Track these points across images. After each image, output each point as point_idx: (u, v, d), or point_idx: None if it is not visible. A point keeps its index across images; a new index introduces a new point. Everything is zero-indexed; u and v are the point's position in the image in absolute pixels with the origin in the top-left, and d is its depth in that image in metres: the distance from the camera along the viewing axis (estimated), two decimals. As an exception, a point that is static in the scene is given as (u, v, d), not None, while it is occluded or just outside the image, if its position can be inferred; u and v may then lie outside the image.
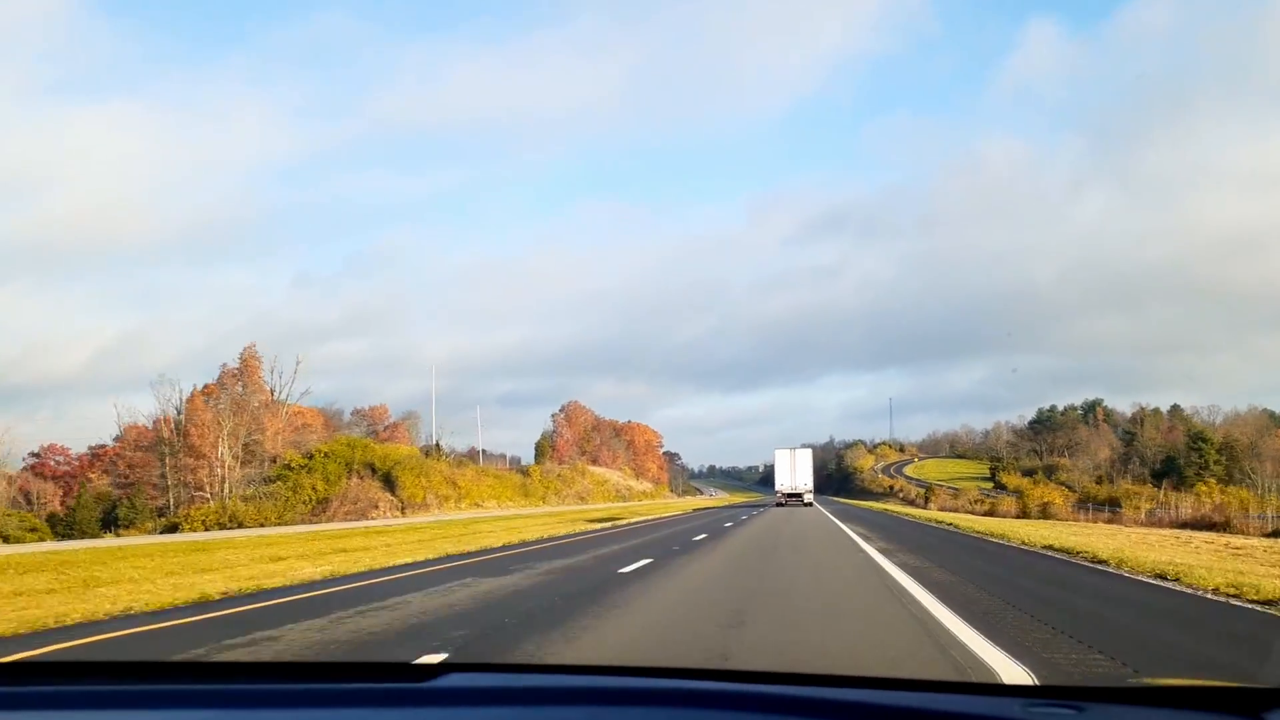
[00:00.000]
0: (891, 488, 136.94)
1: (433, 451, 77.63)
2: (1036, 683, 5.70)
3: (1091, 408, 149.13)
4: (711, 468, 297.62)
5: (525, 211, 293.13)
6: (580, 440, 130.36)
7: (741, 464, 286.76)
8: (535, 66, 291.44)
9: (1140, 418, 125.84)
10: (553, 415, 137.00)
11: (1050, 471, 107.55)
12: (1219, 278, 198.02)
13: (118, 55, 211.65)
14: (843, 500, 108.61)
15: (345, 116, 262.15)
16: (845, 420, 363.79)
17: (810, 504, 59.72)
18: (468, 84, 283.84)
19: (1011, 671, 6.29)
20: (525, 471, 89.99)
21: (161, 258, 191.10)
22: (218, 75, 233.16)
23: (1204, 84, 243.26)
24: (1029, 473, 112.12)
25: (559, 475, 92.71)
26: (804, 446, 71.60)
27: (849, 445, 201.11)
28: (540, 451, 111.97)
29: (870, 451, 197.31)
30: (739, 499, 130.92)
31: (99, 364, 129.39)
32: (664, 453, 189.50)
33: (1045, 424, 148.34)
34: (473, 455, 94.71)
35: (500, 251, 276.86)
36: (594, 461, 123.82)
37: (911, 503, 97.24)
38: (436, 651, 7.31)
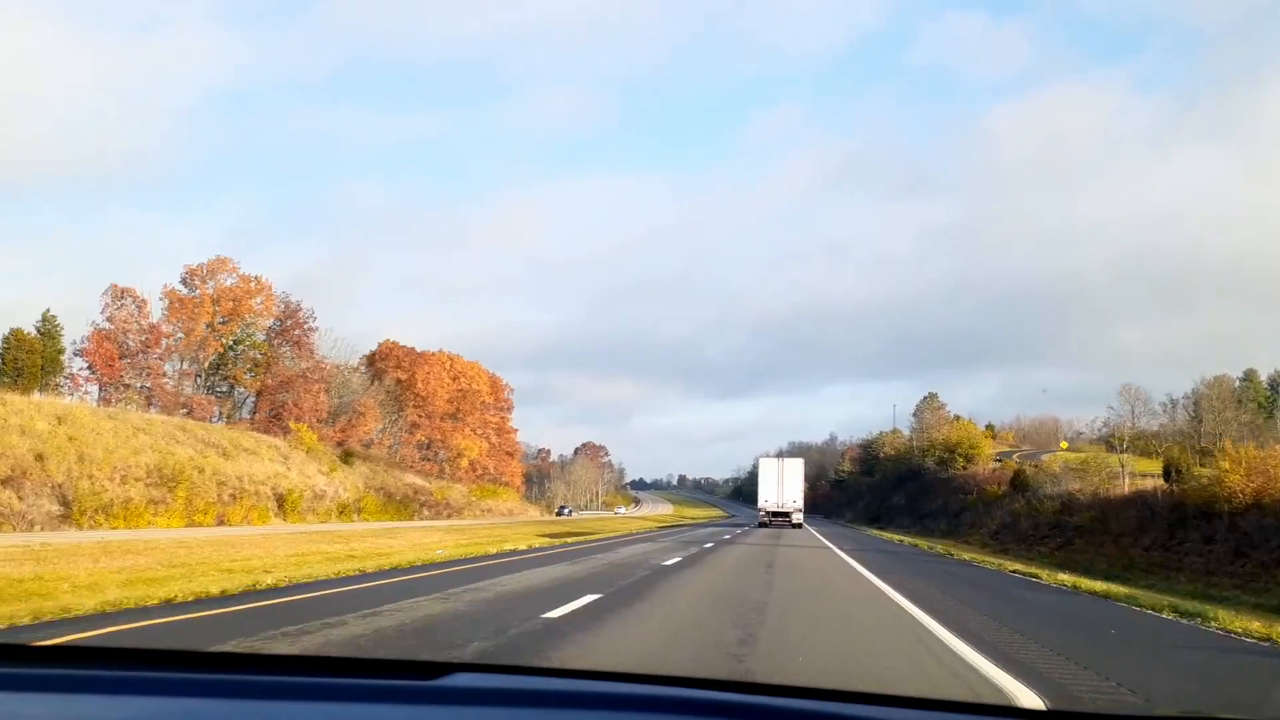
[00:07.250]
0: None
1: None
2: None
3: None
4: (681, 478, 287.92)
5: (509, 170, 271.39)
6: (215, 366, 56.51)
7: (718, 475, 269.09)
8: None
9: None
10: (102, 294, 54.15)
11: None
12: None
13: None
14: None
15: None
16: (843, 435, 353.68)
17: (800, 525, 54.68)
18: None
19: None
20: None
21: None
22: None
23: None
24: None
25: None
26: (793, 455, 66.45)
27: (917, 411, 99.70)
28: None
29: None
30: (677, 518, 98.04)
31: None
32: (585, 444, 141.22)
33: None
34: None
35: (479, 214, 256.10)
36: (291, 425, 50.59)
37: None
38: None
